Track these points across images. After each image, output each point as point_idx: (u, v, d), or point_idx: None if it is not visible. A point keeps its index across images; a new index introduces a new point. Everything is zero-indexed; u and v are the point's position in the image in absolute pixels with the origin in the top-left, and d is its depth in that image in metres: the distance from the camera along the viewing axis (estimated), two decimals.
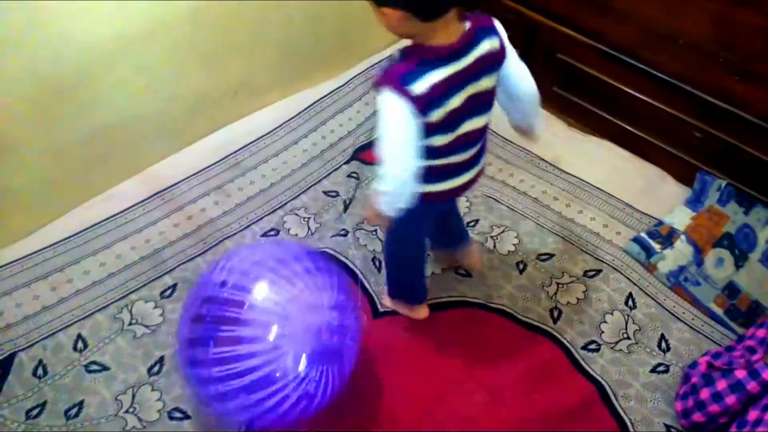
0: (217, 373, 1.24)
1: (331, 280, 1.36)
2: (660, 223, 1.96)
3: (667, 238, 1.91)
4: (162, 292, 1.79)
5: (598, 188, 2.08)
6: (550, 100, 2.29)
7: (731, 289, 1.81)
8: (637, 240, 1.92)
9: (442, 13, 1.13)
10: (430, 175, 1.33)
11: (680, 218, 1.96)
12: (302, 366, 1.26)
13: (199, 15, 1.90)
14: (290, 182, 2.09)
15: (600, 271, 1.88)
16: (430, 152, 1.28)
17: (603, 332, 1.75)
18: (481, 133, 1.34)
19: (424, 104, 1.17)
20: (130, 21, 1.78)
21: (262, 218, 1.98)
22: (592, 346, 1.72)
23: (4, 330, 1.68)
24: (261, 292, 1.28)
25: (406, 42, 1.22)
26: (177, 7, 1.85)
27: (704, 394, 1.49)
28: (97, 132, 1.88)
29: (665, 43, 1.89)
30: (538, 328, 1.75)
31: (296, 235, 1.94)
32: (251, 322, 1.24)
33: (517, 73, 1.33)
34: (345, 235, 1.93)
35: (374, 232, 1.93)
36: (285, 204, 2.03)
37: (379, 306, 1.79)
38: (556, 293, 1.83)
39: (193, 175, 2.06)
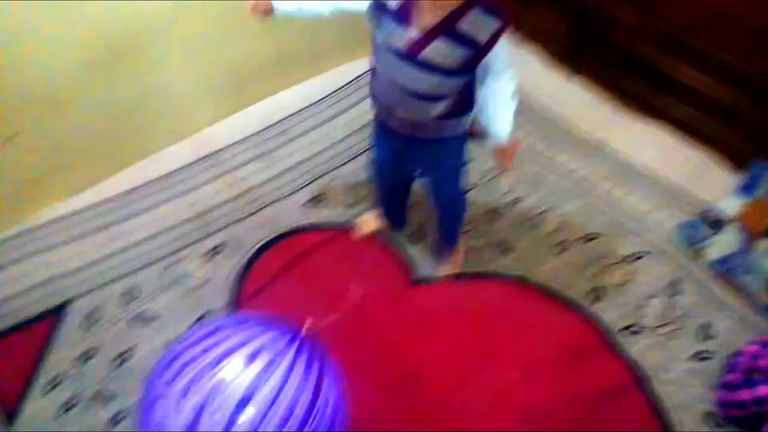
0: None
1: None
2: (710, 209, 1.91)
3: (717, 224, 1.86)
4: (209, 251, 1.84)
5: (647, 171, 2.04)
6: (601, 81, 2.25)
7: None
8: (685, 225, 1.88)
9: None
10: None
11: (731, 205, 1.90)
12: None
13: None
14: (333, 152, 2.11)
15: (645, 254, 1.85)
16: None
17: (644, 316, 1.73)
18: None
19: None
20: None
21: (303, 187, 2.01)
22: (633, 329, 1.70)
23: (60, 278, 1.76)
24: None
25: None
26: None
27: (745, 395, 1.47)
28: (151, 95, 1.93)
29: (724, 27, 1.83)
30: (577, 307, 1.74)
31: (336, 204, 1.96)
32: None
33: None
34: None
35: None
36: (327, 173, 2.04)
37: (412, 274, 1.80)
38: (598, 274, 1.80)
39: (240, 140, 2.10)
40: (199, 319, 1.69)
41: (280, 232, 1.88)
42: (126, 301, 1.73)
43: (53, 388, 1.57)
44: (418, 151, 1.53)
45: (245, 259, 1.82)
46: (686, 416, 1.55)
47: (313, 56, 2.23)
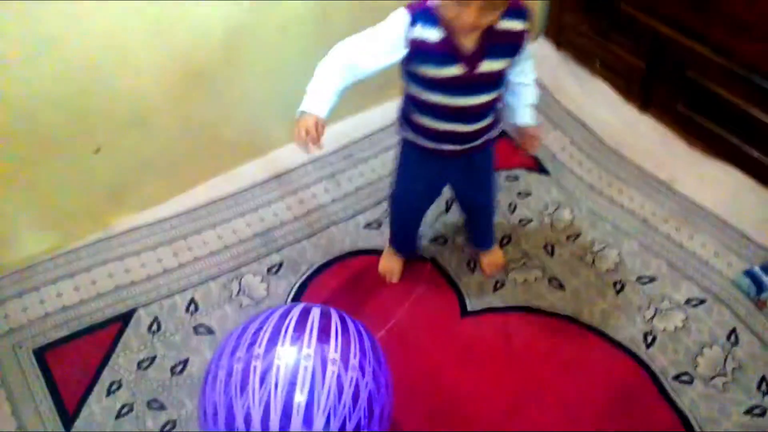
0: None
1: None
2: None
3: None
4: (269, 269, 1.93)
5: (713, 214, 1.99)
6: (673, 117, 2.21)
7: None
8: (749, 273, 1.82)
9: None
10: None
11: None
12: None
13: (329, 10, 2.01)
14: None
15: (704, 301, 1.81)
16: None
17: (698, 365, 1.69)
18: None
19: None
20: (267, 17, 1.92)
21: (367, 209, 2.07)
22: (684, 378, 1.67)
23: (128, 286, 1.89)
24: None
25: None
26: (309, 5, 1.97)
27: None
28: (227, 114, 2.05)
29: None
30: (628, 350, 1.72)
31: None
32: None
33: None
34: (444, 243, 1.97)
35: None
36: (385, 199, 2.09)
37: (467, 305, 1.83)
38: (652, 318, 1.78)
39: (310, 162, 2.19)
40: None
41: (339, 253, 1.95)
42: (187, 313, 1.83)
43: (110, 394, 1.67)
44: (459, 166, 1.63)
45: (304, 277, 1.90)
46: None
47: (379, 86, 2.30)
